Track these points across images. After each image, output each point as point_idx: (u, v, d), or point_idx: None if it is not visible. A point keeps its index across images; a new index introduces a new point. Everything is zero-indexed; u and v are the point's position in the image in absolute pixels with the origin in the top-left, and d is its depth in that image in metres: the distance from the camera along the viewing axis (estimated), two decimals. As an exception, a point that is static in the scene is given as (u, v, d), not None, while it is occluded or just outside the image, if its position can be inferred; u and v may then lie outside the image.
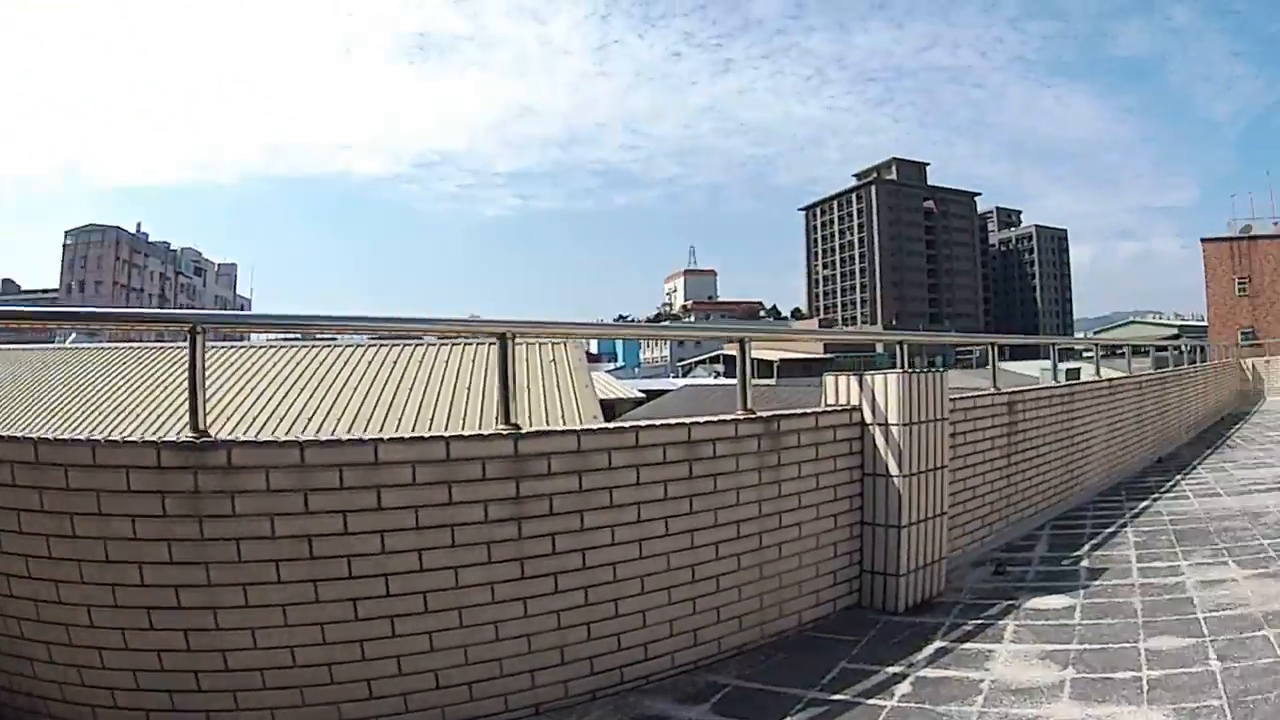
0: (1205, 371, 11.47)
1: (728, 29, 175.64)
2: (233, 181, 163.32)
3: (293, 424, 8.55)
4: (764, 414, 2.58)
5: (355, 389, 9.15)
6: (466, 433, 1.87)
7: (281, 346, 10.17)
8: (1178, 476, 6.25)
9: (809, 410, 2.81)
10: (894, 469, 2.88)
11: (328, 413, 8.70)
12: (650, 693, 2.20)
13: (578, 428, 2.08)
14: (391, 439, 1.74)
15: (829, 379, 3.13)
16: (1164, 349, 10.75)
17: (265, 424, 8.57)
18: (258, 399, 9.01)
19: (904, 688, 2.26)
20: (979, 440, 3.78)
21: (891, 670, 2.38)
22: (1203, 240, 30.89)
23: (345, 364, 9.80)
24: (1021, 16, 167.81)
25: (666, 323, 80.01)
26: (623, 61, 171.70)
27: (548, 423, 8.55)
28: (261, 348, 10.16)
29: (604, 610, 2.09)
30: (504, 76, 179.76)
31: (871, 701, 2.16)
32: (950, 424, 3.31)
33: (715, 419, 2.42)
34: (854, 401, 2.98)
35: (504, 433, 1.92)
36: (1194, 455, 7.69)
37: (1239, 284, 29.68)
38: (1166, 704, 2.15)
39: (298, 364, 9.88)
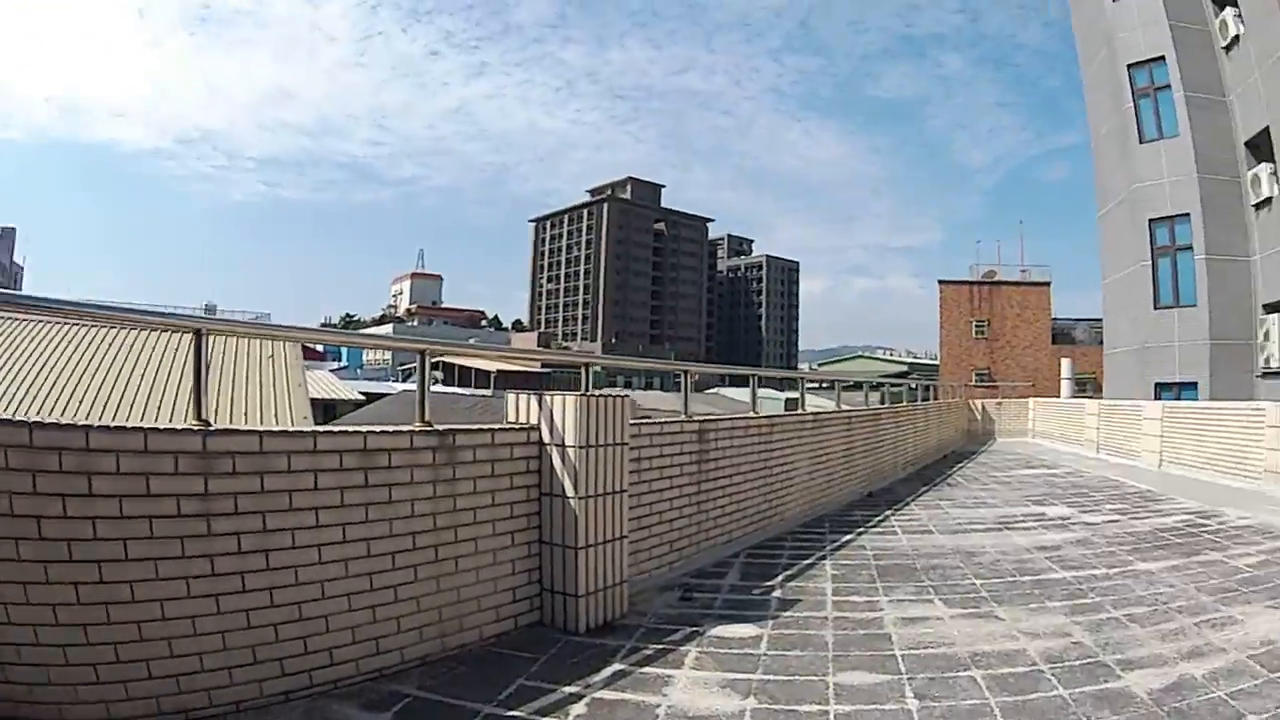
0: (927, 409, 16.44)
1: (489, 32, 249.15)
2: (23, 139, 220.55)
3: (42, 402, 12.36)
4: (440, 427, 4.07)
5: (99, 369, 13.43)
6: (161, 425, 3.00)
7: (50, 323, 14.29)
8: (888, 512, 9.35)
9: (486, 426, 4.38)
10: (570, 490, 4.53)
11: (71, 391, 12.74)
12: (339, 698, 3.49)
13: (260, 428, 3.29)
14: (100, 427, 2.80)
15: (510, 397, 4.80)
16: (879, 385, 15.48)
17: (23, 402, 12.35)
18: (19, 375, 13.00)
19: (579, 709, 3.45)
20: (666, 466, 5.78)
21: (568, 690, 3.64)
22: (940, 282, 45.02)
23: (111, 344, 14.25)
24: (784, 49, 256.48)
25: (381, 328, 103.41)
26: (383, 54, 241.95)
27: (262, 419, 12.49)
28: (34, 321, 14.31)
29: (288, 613, 3.35)
30: (271, 58, 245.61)
31: (546, 720, 3.37)
32: (633, 449, 5.16)
33: (391, 429, 3.84)
34: (533, 420, 4.63)
35: (194, 428, 3.08)
36: (909, 492, 11.27)
37: (977, 326, 43.58)
38: (854, 739, 3.29)
39: (61, 341, 14.09)
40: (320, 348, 52.64)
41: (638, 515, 5.32)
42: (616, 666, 4.02)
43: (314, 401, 17.56)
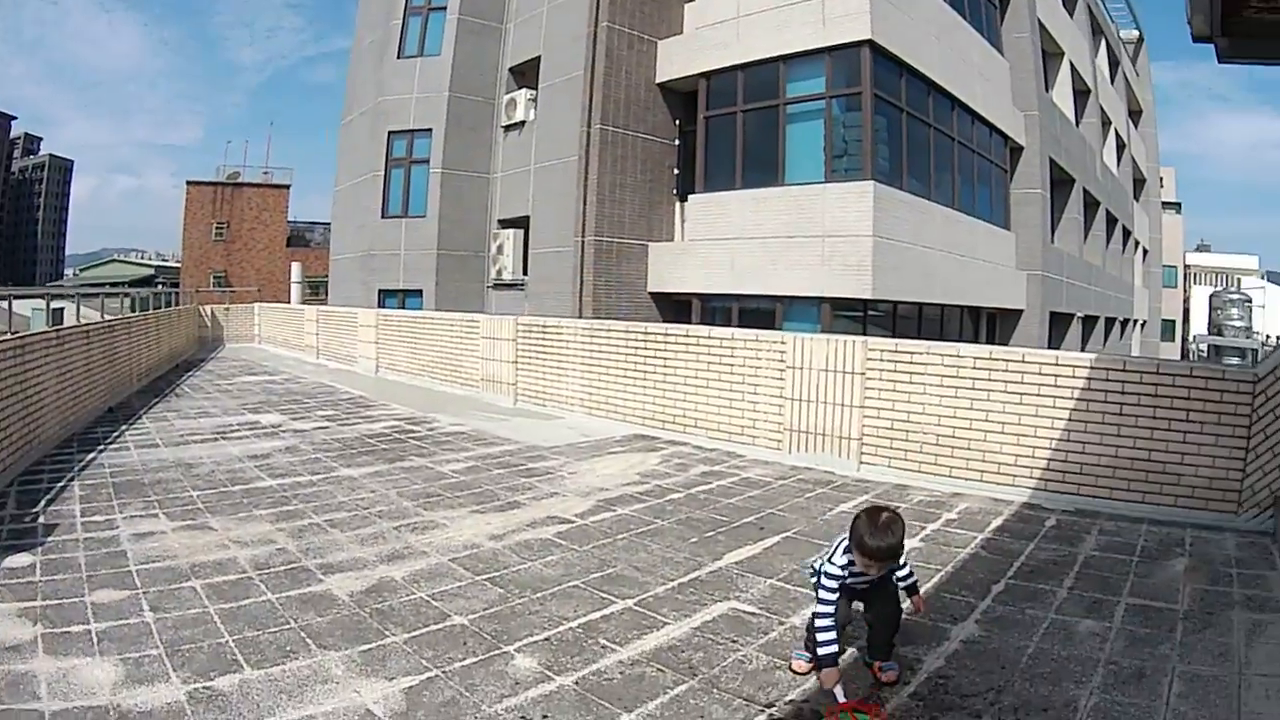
0: (159, 317, 18.66)
1: None
2: None
3: None
4: None
5: None
6: None
7: None
8: (124, 427, 11.03)
9: None
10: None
11: None
12: None
13: None
14: None
15: None
16: (125, 293, 17.28)
17: None
18: None
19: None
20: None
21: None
22: (188, 182, 50.73)
23: None
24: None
25: None
26: None
27: None
28: None
29: None
30: None
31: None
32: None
33: None
34: None
35: None
36: (143, 404, 13.16)
37: (217, 228, 49.63)
38: (114, 655, 4.06)
39: None
40: None
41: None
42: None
43: None
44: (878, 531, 3.82)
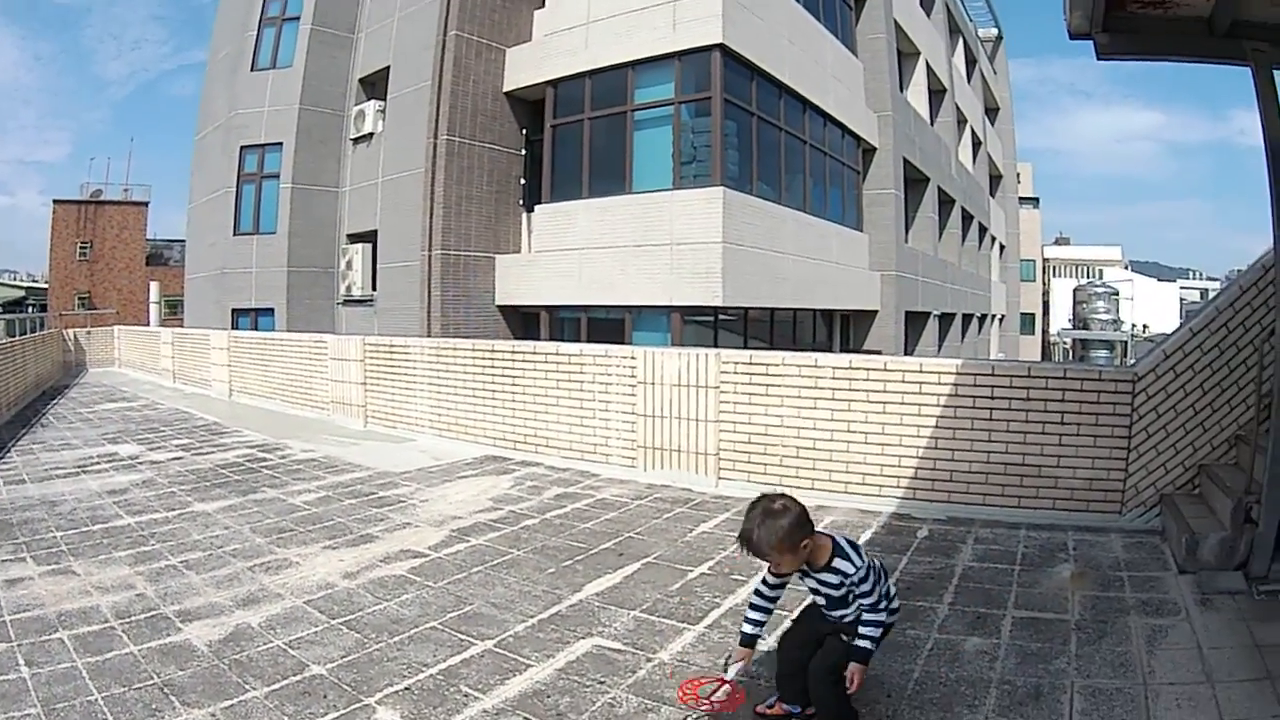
0: (25, 344, 18.31)
1: None
2: None
3: None
4: None
5: None
6: None
7: None
8: None
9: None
10: None
11: None
12: None
13: None
14: None
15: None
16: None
17: None
18: None
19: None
20: None
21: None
22: (55, 201, 50.41)
23: None
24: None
25: None
26: None
27: None
28: None
29: None
30: None
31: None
32: None
33: None
34: None
35: None
36: (11, 436, 12.77)
37: (81, 248, 49.38)
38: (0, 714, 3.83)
39: None
40: None
41: None
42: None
43: None
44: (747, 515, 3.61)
